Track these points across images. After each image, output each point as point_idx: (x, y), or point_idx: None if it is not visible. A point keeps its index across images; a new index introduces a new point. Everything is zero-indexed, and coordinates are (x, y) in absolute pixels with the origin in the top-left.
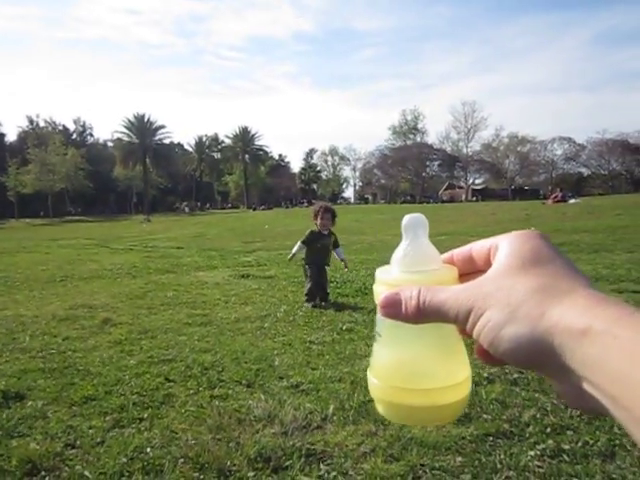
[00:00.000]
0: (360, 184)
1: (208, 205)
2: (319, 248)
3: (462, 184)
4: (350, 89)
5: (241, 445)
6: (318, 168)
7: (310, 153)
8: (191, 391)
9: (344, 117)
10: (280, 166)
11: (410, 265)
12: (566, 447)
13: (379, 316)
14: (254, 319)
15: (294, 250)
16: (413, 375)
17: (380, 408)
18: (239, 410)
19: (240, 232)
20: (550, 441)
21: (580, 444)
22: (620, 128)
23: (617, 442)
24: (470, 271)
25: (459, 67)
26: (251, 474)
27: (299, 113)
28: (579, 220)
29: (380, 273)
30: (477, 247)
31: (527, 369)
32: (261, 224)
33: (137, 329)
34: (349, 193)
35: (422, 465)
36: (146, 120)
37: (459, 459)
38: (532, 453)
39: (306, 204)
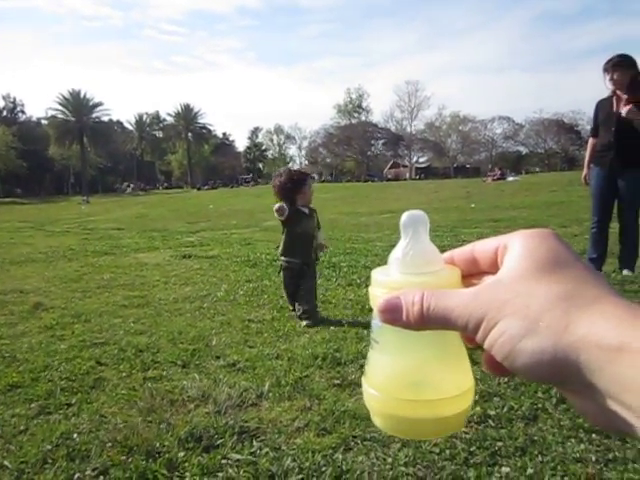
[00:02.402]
0: (306, 163)
1: (158, 186)
2: (299, 234)
3: (406, 162)
4: (295, 66)
5: (172, 426)
6: (264, 147)
7: (255, 132)
8: (123, 374)
9: (290, 95)
10: (225, 145)
11: (410, 266)
12: (492, 413)
13: (376, 321)
14: (193, 299)
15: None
16: (416, 385)
17: (378, 421)
18: (172, 391)
19: (184, 212)
20: (477, 408)
21: (505, 409)
22: (556, 108)
23: (540, 406)
24: (472, 272)
25: (403, 46)
26: (181, 454)
27: (244, 90)
28: (516, 197)
29: (377, 274)
30: (480, 247)
31: (546, 384)
32: (205, 204)
33: (70, 313)
34: None
35: (354, 437)
36: (82, 96)
37: None
38: None
39: (252, 183)
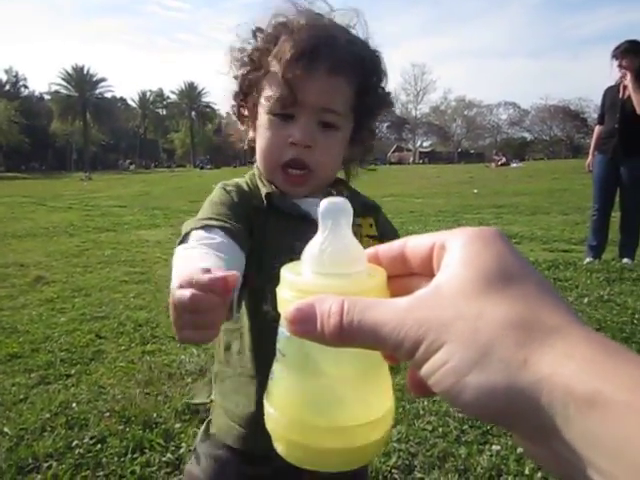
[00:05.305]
0: None
1: (155, 164)
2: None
3: (410, 147)
4: None
5: (169, 398)
6: None
7: None
8: (122, 347)
9: None
10: (229, 124)
11: (328, 265)
12: None
13: (283, 330)
14: None
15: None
16: (327, 409)
17: (280, 447)
18: (170, 365)
19: (186, 191)
20: None
21: None
22: (562, 95)
23: None
24: (400, 273)
25: (409, 29)
26: (177, 425)
27: None
28: (520, 183)
29: (287, 272)
30: (413, 244)
31: (493, 423)
32: (208, 183)
33: (70, 287)
34: None
35: None
36: (85, 72)
37: None
38: None
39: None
